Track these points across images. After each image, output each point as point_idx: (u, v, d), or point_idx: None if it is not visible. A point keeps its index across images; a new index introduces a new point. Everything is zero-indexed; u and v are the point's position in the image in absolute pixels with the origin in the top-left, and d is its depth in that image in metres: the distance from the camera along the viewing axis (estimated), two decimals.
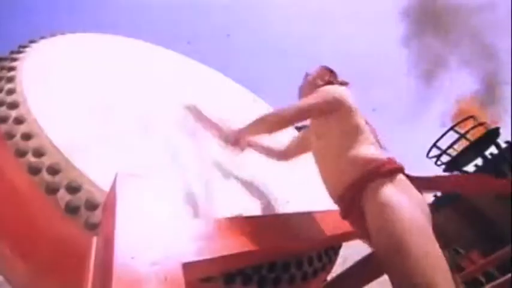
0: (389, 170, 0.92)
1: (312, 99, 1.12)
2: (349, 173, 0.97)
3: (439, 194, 9.82)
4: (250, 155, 1.55)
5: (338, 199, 1.02)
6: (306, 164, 1.33)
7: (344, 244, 1.51)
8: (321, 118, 1.13)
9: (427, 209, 0.91)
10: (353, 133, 1.06)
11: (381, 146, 1.10)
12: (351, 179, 0.95)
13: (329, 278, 1.54)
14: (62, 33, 1.58)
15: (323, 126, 1.13)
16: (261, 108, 2.23)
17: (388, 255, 0.76)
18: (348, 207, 0.98)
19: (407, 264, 0.71)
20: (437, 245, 0.77)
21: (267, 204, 1.29)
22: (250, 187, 1.33)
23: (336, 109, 1.09)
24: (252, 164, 1.48)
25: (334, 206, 1.07)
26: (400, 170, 0.96)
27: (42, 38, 1.45)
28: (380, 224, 0.82)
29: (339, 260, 1.45)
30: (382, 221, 0.81)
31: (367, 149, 1.01)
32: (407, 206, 0.83)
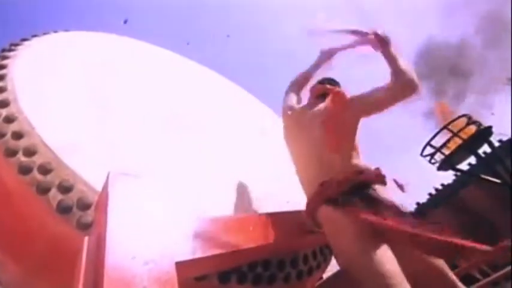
0: (328, 197, 0.92)
1: None
2: (305, 192, 1.05)
3: (433, 193, 9.98)
4: (248, 153, 1.55)
5: None
6: None
7: None
8: None
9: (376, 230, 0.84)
10: (298, 153, 1.15)
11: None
12: (306, 200, 1.02)
13: (325, 276, 1.54)
14: (55, 31, 1.56)
15: None
16: (257, 109, 2.22)
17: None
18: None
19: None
20: (382, 264, 0.76)
21: (263, 203, 1.28)
22: (247, 186, 1.32)
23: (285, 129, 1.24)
24: (249, 163, 1.47)
25: None
26: (340, 194, 0.90)
27: (35, 36, 1.42)
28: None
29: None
30: (332, 249, 0.91)
31: (310, 171, 1.06)
32: (344, 236, 0.85)
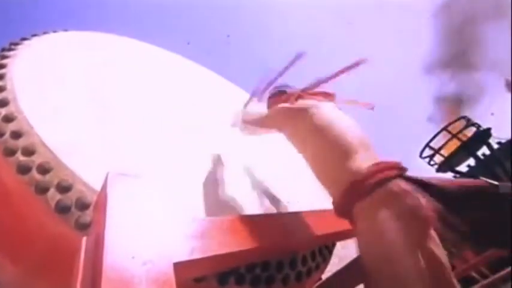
0: (365, 191, 0.82)
1: None
2: (329, 191, 0.95)
3: None
4: (249, 154, 1.55)
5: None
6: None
7: (340, 244, 1.51)
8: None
9: (421, 216, 0.78)
10: (314, 154, 1.01)
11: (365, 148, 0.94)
12: (332, 198, 0.93)
13: (324, 277, 1.54)
14: (55, 31, 1.56)
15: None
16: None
17: (371, 276, 0.77)
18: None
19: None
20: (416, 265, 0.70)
21: (264, 204, 1.28)
22: (247, 187, 1.32)
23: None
24: (250, 164, 1.47)
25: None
26: (380, 182, 0.82)
27: (34, 35, 1.43)
28: (361, 249, 0.82)
29: (335, 259, 1.45)
30: (362, 247, 0.82)
31: (339, 163, 0.91)
32: (382, 236, 0.76)
